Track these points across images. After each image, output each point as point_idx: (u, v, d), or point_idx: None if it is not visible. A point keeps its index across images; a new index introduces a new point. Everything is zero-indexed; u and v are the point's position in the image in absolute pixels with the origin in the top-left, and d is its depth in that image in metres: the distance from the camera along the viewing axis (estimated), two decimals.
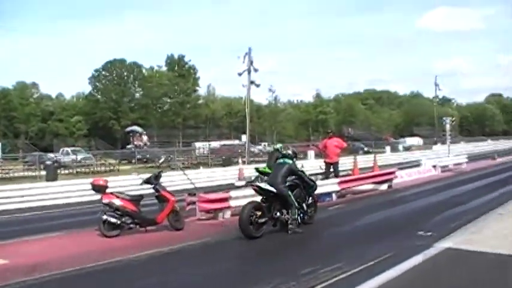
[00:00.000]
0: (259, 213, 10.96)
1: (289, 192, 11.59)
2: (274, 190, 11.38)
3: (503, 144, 77.76)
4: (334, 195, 17.06)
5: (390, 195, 17.52)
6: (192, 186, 15.10)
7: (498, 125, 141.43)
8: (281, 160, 12.44)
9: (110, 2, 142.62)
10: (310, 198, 12.77)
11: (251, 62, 39.48)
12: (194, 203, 13.68)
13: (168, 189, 12.74)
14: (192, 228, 12.27)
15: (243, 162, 33.65)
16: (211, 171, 28.65)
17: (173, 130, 75.08)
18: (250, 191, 14.51)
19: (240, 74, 39.64)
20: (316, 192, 14.06)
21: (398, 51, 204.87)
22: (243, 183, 22.27)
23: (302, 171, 12.62)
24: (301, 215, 12.09)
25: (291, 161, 12.29)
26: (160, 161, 18.65)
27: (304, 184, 12.42)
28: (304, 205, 12.29)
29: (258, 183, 12.44)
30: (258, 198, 11.67)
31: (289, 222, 11.34)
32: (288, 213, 11.42)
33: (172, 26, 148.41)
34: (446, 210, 14.01)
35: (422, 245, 9.33)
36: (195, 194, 13.94)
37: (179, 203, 13.25)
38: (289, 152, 13.16)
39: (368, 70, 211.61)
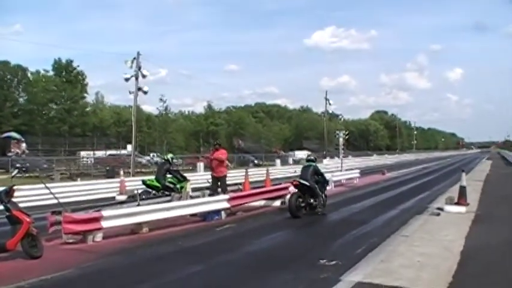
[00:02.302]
0: (301, 200, 15.58)
1: (316, 185, 15.94)
2: (308, 184, 15.68)
3: (388, 159, 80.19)
4: (223, 213, 15.27)
5: (284, 213, 15.84)
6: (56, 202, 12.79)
7: (382, 140, 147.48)
8: (307, 163, 16.86)
9: None
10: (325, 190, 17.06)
11: (139, 68, 37.17)
12: (59, 223, 11.45)
13: (32, 205, 10.58)
14: (54, 256, 10.05)
15: (126, 174, 31.26)
16: (92, 183, 26.01)
17: (59, 138, 70.22)
18: (127, 209, 12.77)
19: (127, 80, 37.13)
20: (203, 210, 14.64)
21: (288, 67, 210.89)
22: (124, 197, 20.15)
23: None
24: (323, 201, 16.17)
25: (314, 164, 16.79)
26: (14, 173, 15.90)
27: (323, 180, 16.79)
28: (323, 195, 16.44)
29: (298, 180, 15.96)
30: (133, 219, 11.26)
31: (318, 206, 15.81)
32: (315, 200, 15.82)
33: (62, 30, 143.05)
34: (348, 231, 12.64)
35: (327, 277, 7.89)
36: (60, 213, 11.73)
37: (42, 222, 11.27)
38: (312, 157, 17.55)
39: (258, 84, 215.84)
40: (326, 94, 73.36)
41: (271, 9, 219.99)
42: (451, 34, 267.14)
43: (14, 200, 10.16)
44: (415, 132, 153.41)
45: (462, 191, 16.03)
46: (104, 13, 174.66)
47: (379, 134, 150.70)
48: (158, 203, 14.70)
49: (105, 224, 11.59)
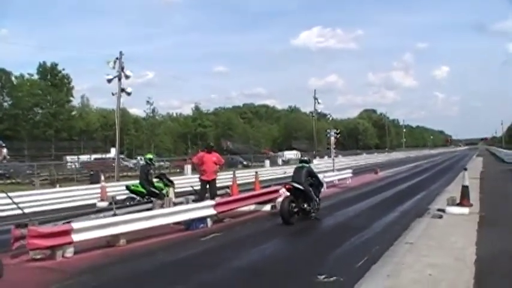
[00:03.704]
0: (294, 204, 14.38)
1: (310, 188, 14.88)
2: (302, 188, 14.59)
3: (379, 157, 79.43)
4: (209, 220, 14.06)
5: (275, 218, 14.63)
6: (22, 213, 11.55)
7: (371, 139, 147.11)
8: (300, 165, 15.67)
9: None
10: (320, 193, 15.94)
11: (122, 68, 35.76)
12: (25, 237, 10.23)
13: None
14: (15, 277, 8.86)
15: (111, 178, 29.99)
16: (72, 189, 24.67)
17: (45, 143, 68.88)
18: (101, 220, 11.57)
19: (109, 81, 35.71)
20: (187, 218, 13.36)
21: (276, 67, 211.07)
22: (105, 204, 18.94)
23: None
24: (316, 205, 15.11)
25: (307, 165, 15.61)
26: None
27: (317, 183, 15.76)
28: (318, 199, 15.34)
29: (291, 183, 14.76)
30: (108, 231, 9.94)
31: (311, 211, 14.75)
32: (309, 205, 14.73)
33: (48, 34, 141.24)
34: (346, 239, 11.46)
35: None
36: (26, 225, 10.52)
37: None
38: (306, 158, 16.72)
39: (246, 85, 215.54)
40: (315, 93, 72.26)
41: (257, 10, 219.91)
42: (437, 32, 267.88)
43: None
44: (404, 130, 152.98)
45: (464, 191, 15.08)
46: (91, 17, 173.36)
47: (368, 133, 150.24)
48: (137, 211, 13.51)
49: (76, 237, 10.35)
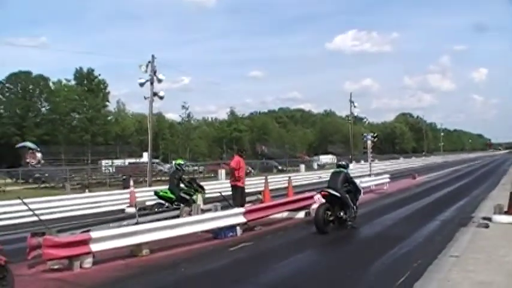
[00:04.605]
0: (329, 212, 13.43)
1: (347, 195, 13.92)
2: (338, 194, 13.68)
3: (416, 161, 77.74)
4: (238, 228, 13.28)
5: (309, 226, 13.80)
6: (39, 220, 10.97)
7: (408, 143, 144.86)
8: (338, 169, 14.83)
9: (19, 13, 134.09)
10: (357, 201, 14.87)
11: (154, 72, 35.25)
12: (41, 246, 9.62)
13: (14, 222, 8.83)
14: None
15: (140, 183, 29.50)
16: (101, 194, 24.16)
17: (81, 147, 69.31)
18: (122, 229, 10.95)
19: (141, 85, 35.19)
20: (215, 226, 12.68)
21: (311, 71, 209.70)
22: (134, 210, 18.31)
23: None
24: (353, 213, 14.12)
25: (345, 170, 14.79)
26: None
27: (355, 189, 14.76)
28: (355, 206, 14.34)
29: (327, 190, 13.85)
30: (130, 240, 10.31)
31: (348, 220, 13.80)
32: (345, 213, 13.79)
33: (87, 41, 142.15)
34: (385, 250, 10.56)
35: None
36: (43, 234, 9.94)
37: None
38: (344, 163, 15.57)
39: (281, 89, 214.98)
40: (350, 96, 70.39)
41: (292, 14, 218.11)
42: (475, 34, 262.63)
43: None
44: (442, 134, 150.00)
45: None
46: (128, 23, 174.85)
47: (404, 136, 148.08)
48: (163, 219, 12.87)
49: (94, 247, 9.70)
